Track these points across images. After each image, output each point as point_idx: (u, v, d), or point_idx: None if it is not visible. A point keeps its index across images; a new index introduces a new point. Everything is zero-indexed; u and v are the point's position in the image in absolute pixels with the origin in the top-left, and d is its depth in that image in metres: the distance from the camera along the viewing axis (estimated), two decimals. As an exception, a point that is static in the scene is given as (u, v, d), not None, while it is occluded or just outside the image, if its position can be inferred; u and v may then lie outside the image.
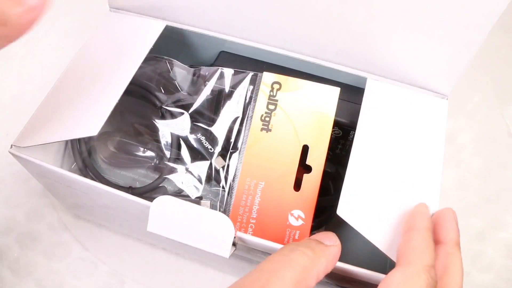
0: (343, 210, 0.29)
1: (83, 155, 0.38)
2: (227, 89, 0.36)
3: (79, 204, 0.37)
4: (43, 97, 0.33)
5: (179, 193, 0.36)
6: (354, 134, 0.37)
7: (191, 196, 0.36)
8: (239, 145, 0.35)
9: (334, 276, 0.29)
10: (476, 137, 0.50)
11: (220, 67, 0.36)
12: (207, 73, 0.36)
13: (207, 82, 0.36)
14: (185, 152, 0.37)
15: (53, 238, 0.42)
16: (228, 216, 0.27)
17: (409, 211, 0.29)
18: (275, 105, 0.33)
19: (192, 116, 0.37)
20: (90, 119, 0.31)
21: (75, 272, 0.41)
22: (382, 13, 0.36)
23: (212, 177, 0.37)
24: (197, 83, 0.38)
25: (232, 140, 0.35)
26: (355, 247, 0.40)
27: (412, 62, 0.36)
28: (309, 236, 0.31)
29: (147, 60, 0.37)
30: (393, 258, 0.28)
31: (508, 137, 0.51)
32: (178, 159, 0.37)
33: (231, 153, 0.35)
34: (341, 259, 0.27)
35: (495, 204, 0.46)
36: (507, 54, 0.56)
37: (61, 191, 0.35)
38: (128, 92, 0.37)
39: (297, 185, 0.32)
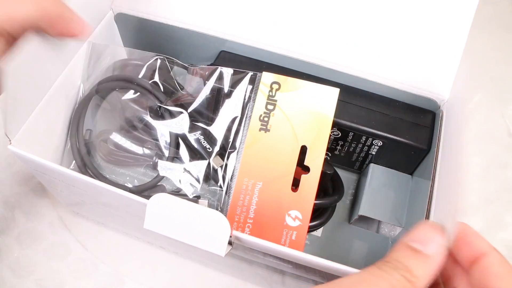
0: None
1: (82, 152, 0.38)
2: (226, 89, 0.36)
3: (78, 202, 0.37)
4: (42, 96, 0.33)
5: (177, 192, 0.37)
6: (353, 135, 0.37)
7: (189, 195, 0.36)
8: (237, 144, 0.35)
9: (329, 276, 0.29)
10: (476, 137, 0.50)
11: (219, 67, 0.36)
12: (206, 73, 0.36)
13: (206, 82, 0.36)
14: (183, 151, 0.37)
15: (53, 238, 0.42)
16: (225, 215, 0.27)
17: None
18: (274, 105, 0.33)
19: (191, 115, 0.37)
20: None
21: (75, 272, 0.41)
22: (381, 15, 0.36)
23: (210, 177, 0.37)
24: (197, 82, 0.38)
25: (231, 139, 0.35)
26: (353, 248, 0.40)
27: (410, 64, 0.36)
28: (306, 235, 0.31)
29: (147, 59, 0.37)
30: None
31: (508, 137, 0.50)
32: (176, 158, 0.37)
33: (229, 153, 0.35)
34: (339, 260, 0.27)
35: (495, 204, 0.46)
36: (507, 54, 0.56)
37: (60, 189, 0.35)
38: (128, 90, 0.37)
39: (295, 186, 0.32)
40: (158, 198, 0.27)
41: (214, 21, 0.38)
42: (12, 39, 0.27)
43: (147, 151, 0.38)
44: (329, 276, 0.29)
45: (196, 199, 0.36)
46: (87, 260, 0.41)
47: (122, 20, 0.40)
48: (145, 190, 0.37)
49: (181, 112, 0.37)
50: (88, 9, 0.38)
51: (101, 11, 0.38)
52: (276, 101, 0.33)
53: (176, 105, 0.37)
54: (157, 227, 0.28)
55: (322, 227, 0.40)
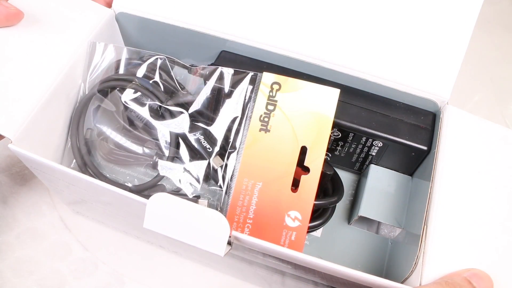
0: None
1: (82, 151, 0.38)
2: (226, 89, 0.36)
3: (79, 201, 0.38)
4: (43, 96, 0.33)
5: (177, 192, 0.37)
6: (353, 136, 0.37)
7: (188, 194, 0.36)
8: (237, 145, 0.35)
9: (329, 277, 0.29)
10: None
11: (220, 67, 0.36)
12: (207, 72, 0.37)
13: (207, 81, 0.36)
14: (183, 151, 0.37)
15: (53, 238, 0.42)
16: (225, 215, 0.27)
17: None
18: (274, 105, 0.33)
19: (191, 115, 0.37)
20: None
21: (75, 272, 0.41)
22: (381, 16, 0.36)
23: (210, 176, 0.37)
24: (197, 82, 0.38)
25: (231, 139, 0.35)
26: (352, 249, 0.40)
27: (410, 65, 0.36)
28: (306, 236, 0.31)
29: (147, 58, 0.37)
30: None
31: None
32: (176, 157, 0.37)
33: (230, 153, 0.35)
34: (338, 260, 0.27)
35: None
36: (507, 54, 0.56)
37: (60, 188, 0.35)
38: (128, 90, 0.37)
39: (295, 186, 0.32)
40: (158, 197, 0.27)
41: (215, 21, 0.38)
42: None
43: (147, 151, 0.38)
44: (329, 277, 0.29)
45: (196, 199, 0.36)
46: (87, 260, 0.42)
47: (123, 19, 0.40)
48: (145, 190, 0.37)
49: (182, 112, 0.37)
50: (89, 8, 0.38)
51: (102, 10, 0.39)
52: (276, 101, 0.33)
53: (177, 105, 0.37)
54: (156, 227, 0.28)
55: (321, 228, 0.40)
